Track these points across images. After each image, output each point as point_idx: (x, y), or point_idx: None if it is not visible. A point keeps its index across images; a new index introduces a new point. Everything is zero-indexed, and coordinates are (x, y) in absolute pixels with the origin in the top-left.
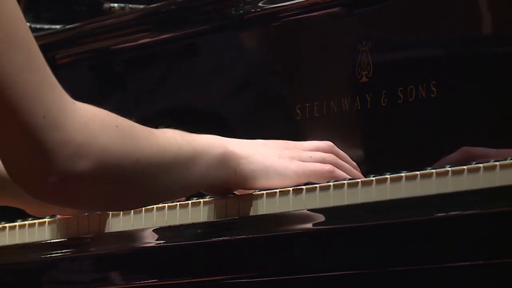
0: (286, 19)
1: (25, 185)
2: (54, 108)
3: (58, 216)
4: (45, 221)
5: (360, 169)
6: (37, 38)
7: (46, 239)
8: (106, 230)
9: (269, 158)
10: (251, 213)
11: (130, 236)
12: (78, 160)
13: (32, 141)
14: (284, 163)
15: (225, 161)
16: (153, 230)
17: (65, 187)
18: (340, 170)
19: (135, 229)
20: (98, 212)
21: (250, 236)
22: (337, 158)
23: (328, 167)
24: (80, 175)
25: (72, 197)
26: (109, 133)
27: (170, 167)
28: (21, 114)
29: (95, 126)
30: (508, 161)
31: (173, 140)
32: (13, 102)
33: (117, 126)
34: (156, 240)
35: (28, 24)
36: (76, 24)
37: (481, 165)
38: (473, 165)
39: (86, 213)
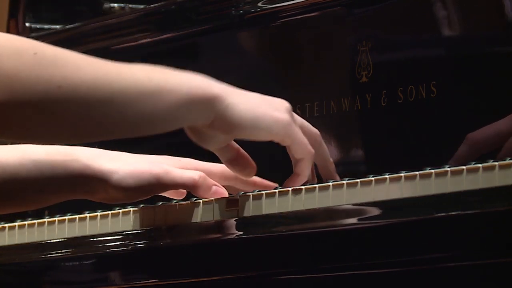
0: (286, 19)
1: None
2: None
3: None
4: (44, 221)
5: (360, 169)
6: (37, 38)
7: (46, 239)
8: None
9: (261, 108)
10: (250, 214)
11: (130, 235)
12: None
13: None
14: (277, 116)
15: (205, 103)
16: (150, 230)
17: None
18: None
19: (134, 229)
20: (99, 212)
21: (248, 236)
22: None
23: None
24: None
25: None
26: (23, 59)
27: (112, 100)
28: None
29: (4, 52)
30: (507, 161)
31: (129, 74)
32: None
33: (35, 54)
34: (154, 240)
35: (28, 24)
36: (76, 24)
37: (480, 165)
38: (472, 165)
39: (86, 213)
